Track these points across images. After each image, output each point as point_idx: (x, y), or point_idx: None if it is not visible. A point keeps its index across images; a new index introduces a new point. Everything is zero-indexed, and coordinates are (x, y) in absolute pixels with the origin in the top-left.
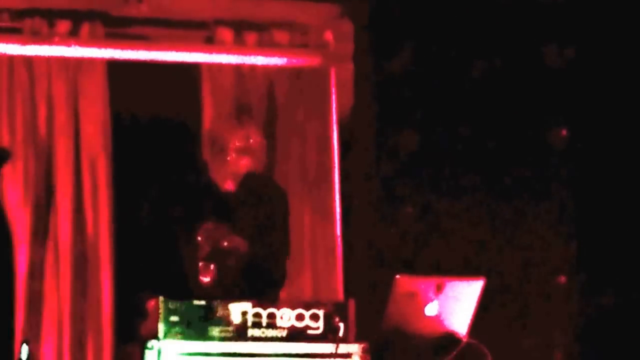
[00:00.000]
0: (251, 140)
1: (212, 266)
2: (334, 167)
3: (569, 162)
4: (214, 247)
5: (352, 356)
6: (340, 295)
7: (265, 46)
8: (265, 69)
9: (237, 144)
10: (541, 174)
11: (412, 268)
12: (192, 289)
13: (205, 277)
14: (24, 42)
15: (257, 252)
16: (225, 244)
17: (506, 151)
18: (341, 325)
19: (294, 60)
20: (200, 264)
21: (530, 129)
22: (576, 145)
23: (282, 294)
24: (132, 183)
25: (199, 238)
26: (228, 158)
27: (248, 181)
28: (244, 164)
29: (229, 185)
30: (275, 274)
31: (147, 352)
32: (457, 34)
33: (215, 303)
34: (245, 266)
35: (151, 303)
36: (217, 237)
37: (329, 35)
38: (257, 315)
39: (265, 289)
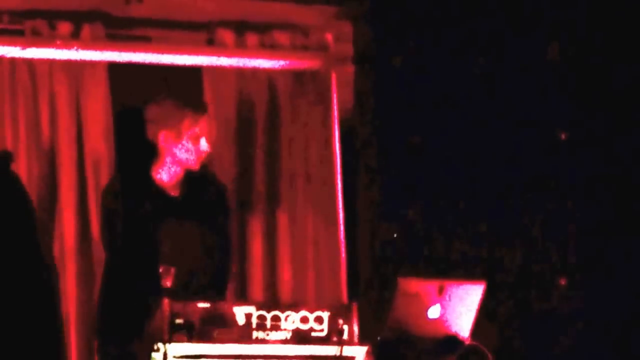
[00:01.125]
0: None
1: (172, 270)
2: (337, 168)
3: (571, 160)
4: (171, 249)
5: (356, 358)
6: (344, 298)
7: (267, 48)
8: (267, 70)
9: (206, 128)
10: (543, 172)
11: (415, 271)
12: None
13: (167, 281)
14: (25, 44)
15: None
16: (181, 245)
17: (508, 150)
18: (345, 327)
19: (295, 62)
20: (161, 268)
21: (532, 128)
22: (577, 143)
23: (286, 297)
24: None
25: (157, 243)
26: (200, 141)
27: (197, 180)
28: (206, 151)
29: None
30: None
31: (153, 354)
32: (458, 33)
33: (220, 305)
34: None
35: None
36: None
37: (329, 37)
38: (261, 317)
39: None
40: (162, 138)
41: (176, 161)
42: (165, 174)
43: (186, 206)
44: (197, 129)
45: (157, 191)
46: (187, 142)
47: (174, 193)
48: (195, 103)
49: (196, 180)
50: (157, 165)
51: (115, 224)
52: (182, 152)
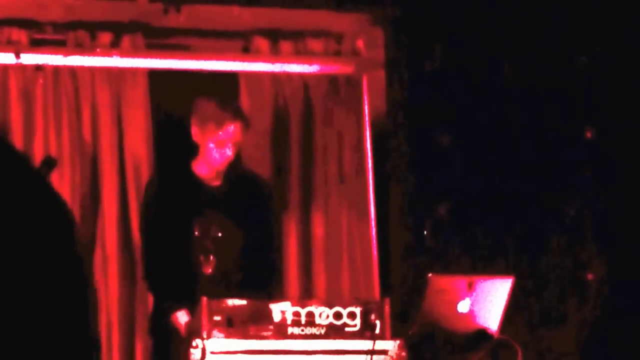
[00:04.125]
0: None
1: (211, 257)
2: (369, 169)
3: (596, 160)
4: (211, 238)
5: (389, 352)
6: (376, 294)
7: (300, 54)
8: (301, 76)
9: (236, 136)
10: (570, 171)
11: (445, 267)
12: (196, 282)
13: (207, 269)
14: (68, 54)
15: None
16: (220, 234)
17: (536, 150)
18: (378, 322)
19: (328, 68)
20: (201, 256)
21: (558, 128)
22: (603, 143)
23: (321, 293)
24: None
25: (196, 232)
26: (224, 146)
27: (238, 174)
28: (228, 156)
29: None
30: (267, 266)
31: (192, 350)
32: (488, 37)
33: (256, 302)
34: (241, 257)
35: (175, 316)
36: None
37: (360, 43)
38: (296, 313)
39: (260, 280)
40: (193, 133)
41: (204, 158)
42: (201, 167)
43: (224, 197)
44: (220, 134)
45: (196, 181)
46: (211, 144)
47: (213, 183)
48: (227, 109)
49: (237, 176)
50: (196, 159)
51: (156, 218)
52: (207, 151)
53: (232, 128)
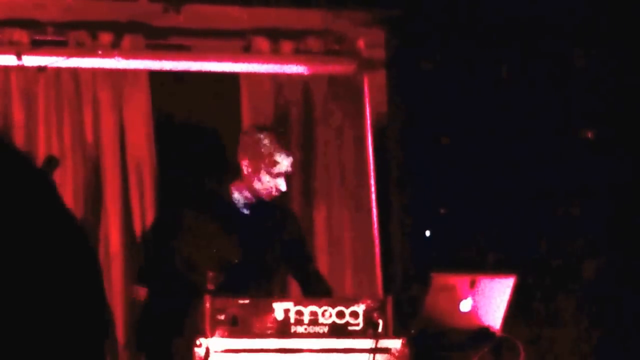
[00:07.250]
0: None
1: (215, 275)
2: (370, 168)
3: (597, 159)
4: (228, 262)
5: (391, 351)
6: (379, 293)
7: (301, 54)
8: (302, 76)
9: (289, 169)
10: (572, 171)
11: (448, 266)
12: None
13: (211, 285)
14: (69, 54)
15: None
16: (236, 260)
17: (538, 149)
18: (380, 321)
19: (329, 68)
20: (210, 274)
21: (561, 127)
22: (603, 143)
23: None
24: (176, 188)
25: (215, 250)
26: (277, 179)
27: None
28: (281, 190)
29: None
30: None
31: (195, 349)
32: (488, 37)
33: (259, 301)
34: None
35: (141, 293)
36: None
37: (361, 43)
38: (299, 312)
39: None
40: (244, 165)
41: (250, 188)
42: (240, 194)
43: (254, 224)
44: (276, 168)
45: (229, 204)
46: (265, 177)
47: (245, 210)
48: (282, 142)
49: (269, 206)
50: (236, 184)
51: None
52: (258, 183)
53: (288, 163)
